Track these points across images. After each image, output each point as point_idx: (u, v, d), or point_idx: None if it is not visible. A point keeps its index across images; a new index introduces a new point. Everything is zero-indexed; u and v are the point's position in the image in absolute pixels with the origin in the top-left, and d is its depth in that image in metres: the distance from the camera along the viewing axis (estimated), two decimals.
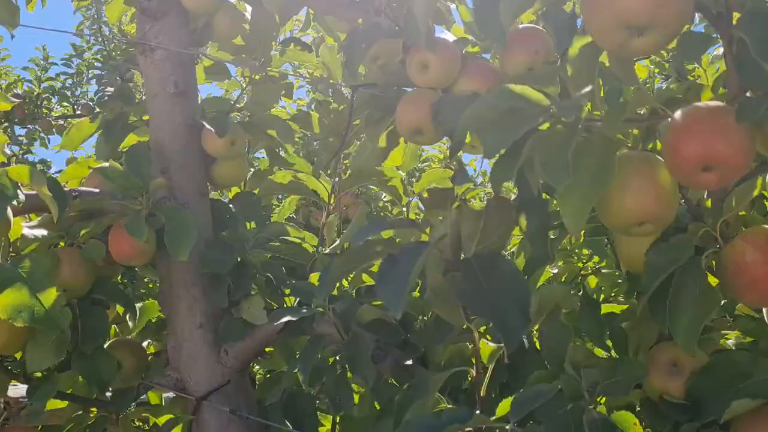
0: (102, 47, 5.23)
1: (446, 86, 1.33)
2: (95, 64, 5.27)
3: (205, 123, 1.52)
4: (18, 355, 1.50)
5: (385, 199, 3.38)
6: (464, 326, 1.06)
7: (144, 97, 1.67)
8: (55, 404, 1.57)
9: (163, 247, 1.45)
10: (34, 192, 1.40)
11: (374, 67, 1.46)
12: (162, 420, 1.65)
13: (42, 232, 1.43)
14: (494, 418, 0.96)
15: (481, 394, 1.09)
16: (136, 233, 1.33)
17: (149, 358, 1.62)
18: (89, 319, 1.41)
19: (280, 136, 1.65)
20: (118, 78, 4.96)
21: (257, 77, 1.75)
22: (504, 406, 0.99)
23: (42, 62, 5.30)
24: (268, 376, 1.73)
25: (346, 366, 1.31)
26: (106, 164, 1.64)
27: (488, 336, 1.19)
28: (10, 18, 1.71)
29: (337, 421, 1.60)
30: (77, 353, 1.38)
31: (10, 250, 1.42)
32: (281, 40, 1.84)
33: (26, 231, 1.41)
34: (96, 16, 5.06)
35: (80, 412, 1.58)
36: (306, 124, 1.73)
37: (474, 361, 1.39)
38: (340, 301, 1.33)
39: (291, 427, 1.44)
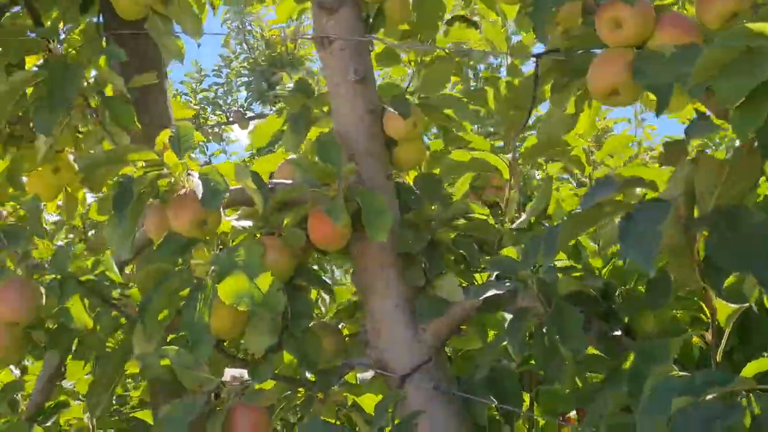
0: (248, 55, 5.50)
1: (641, 43, 1.28)
2: (242, 71, 5.56)
3: (387, 106, 1.55)
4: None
5: (538, 177, 3.31)
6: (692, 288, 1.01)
7: (319, 89, 1.74)
8: (264, 384, 1.67)
9: (356, 231, 1.50)
10: (237, 187, 1.49)
11: (555, 33, 1.42)
12: (364, 400, 1.71)
13: (248, 223, 1.52)
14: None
15: (717, 359, 1.03)
16: (337, 217, 1.37)
17: (346, 339, 1.68)
18: (295, 303, 1.48)
19: (458, 115, 1.65)
20: (264, 83, 5.22)
21: (427, 59, 1.76)
22: (750, 370, 0.93)
23: (196, 75, 5.66)
24: (460, 353, 1.73)
25: (554, 338, 1.28)
26: (294, 156, 1.72)
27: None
28: (196, 28, 1.83)
29: (536, 396, 1.58)
30: (287, 335, 1.46)
31: (219, 241, 1.52)
32: (446, 20, 1.84)
33: (234, 223, 1.50)
34: (240, 26, 5.34)
35: (288, 392, 1.67)
36: (480, 100, 1.72)
37: (690, 329, 1.32)
38: (542, 273, 1.31)
39: (497, 403, 1.44)
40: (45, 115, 1.47)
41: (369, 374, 1.70)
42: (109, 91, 1.79)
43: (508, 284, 1.32)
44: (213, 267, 1.37)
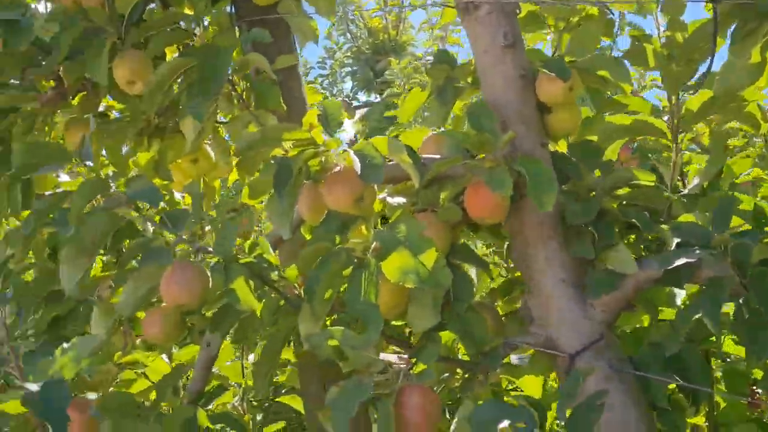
0: (351, 44, 5.51)
1: None
2: (346, 61, 5.58)
3: (543, 69, 1.46)
4: None
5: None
6: None
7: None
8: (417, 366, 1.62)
9: (513, 202, 1.43)
10: (390, 162, 1.44)
11: None
12: (524, 381, 1.63)
13: (401, 200, 1.47)
14: None
15: None
16: (501, 186, 1.30)
17: (502, 318, 1.61)
18: (454, 280, 1.42)
19: (614, 76, 1.54)
20: (369, 71, 5.21)
21: (574, 20, 1.65)
22: None
23: (302, 68, 5.71)
24: (627, 330, 1.62)
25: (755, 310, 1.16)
26: (439, 130, 1.66)
27: None
28: (329, 8, 1.80)
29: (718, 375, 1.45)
30: (450, 314, 1.40)
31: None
32: None
33: (389, 199, 1.46)
34: (343, 15, 5.34)
35: (446, 374, 1.62)
36: (639, 59, 1.59)
37: None
38: (736, 240, 1.19)
39: (681, 382, 1.32)
40: (198, 100, 1.48)
41: (519, 357, 1.63)
42: None
43: (698, 252, 1.20)
44: (374, 244, 1.33)
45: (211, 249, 1.37)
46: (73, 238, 1.23)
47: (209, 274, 1.36)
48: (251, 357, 2.12)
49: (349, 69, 5.49)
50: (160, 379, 1.51)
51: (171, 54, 1.98)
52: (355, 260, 1.35)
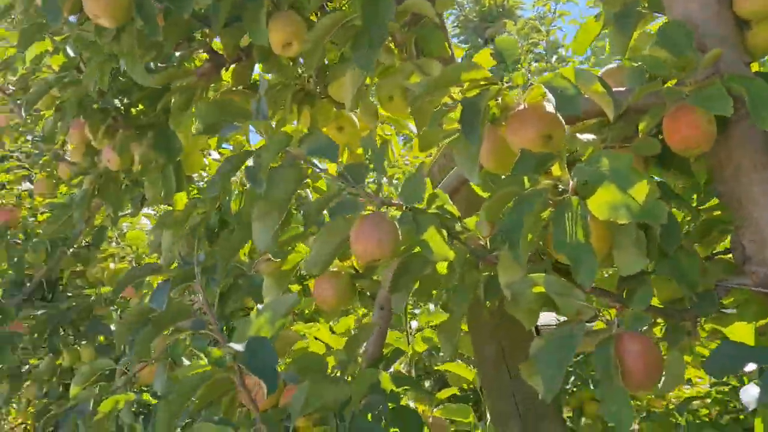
0: (458, 13, 5.38)
1: None
2: (453, 31, 5.45)
3: None
4: None
5: None
6: None
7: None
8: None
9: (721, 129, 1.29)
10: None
11: None
12: (733, 329, 1.48)
13: (591, 137, 1.36)
14: None
15: None
16: (720, 105, 1.16)
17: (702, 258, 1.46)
18: None
19: None
20: (479, 39, 5.06)
21: None
22: None
23: None
24: None
25: None
26: (614, 64, 1.53)
27: None
28: None
29: None
30: (659, 254, 1.28)
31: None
32: None
33: (579, 136, 1.35)
34: None
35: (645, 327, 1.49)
36: None
37: None
38: None
39: None
40: (364, 51, 1.41)
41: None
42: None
43: None
44: (572, 182, 1.23)
45: (395, 201, 1.31)
46: (263, 195, 1.20)
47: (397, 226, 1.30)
48: (414, 324, 2.07)
49: (457, 39, 5.37)
50: (345, 344, 1.47)
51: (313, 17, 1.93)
52: (550, 201, 1.25)
